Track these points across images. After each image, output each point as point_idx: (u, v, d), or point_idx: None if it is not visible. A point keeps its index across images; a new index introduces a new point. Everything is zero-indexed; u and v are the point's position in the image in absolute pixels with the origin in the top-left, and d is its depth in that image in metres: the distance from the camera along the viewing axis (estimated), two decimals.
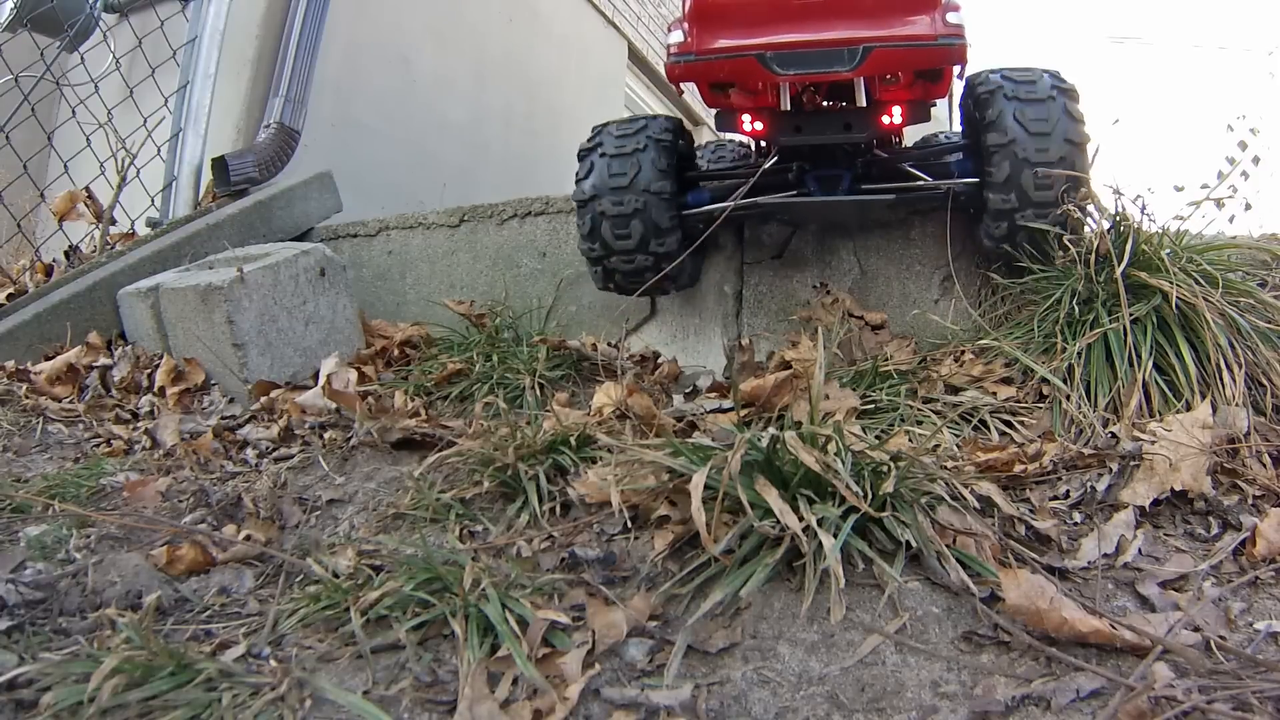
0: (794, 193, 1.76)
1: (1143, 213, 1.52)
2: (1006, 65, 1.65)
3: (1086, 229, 1.58)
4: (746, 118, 1.72)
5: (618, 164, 1.72)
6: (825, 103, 1.74)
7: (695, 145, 2.57)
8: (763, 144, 1.95)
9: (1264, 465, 1.20)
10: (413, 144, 3.53)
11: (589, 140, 1.81)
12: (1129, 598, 0.94)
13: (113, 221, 2.51)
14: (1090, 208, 1.57)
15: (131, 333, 2.05)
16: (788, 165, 1.81)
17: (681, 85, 1.70)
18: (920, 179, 1.74)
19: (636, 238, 1.73)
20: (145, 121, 2.68)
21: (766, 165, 1.80)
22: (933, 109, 1.81)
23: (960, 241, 1.85)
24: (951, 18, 1.51)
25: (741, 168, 1.97)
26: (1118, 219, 1.54)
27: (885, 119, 1.66)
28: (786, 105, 1.63)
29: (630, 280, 1.81)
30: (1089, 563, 1.00)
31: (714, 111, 1.82)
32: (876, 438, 1.27)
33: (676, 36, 1.62)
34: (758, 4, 1.57)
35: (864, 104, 1.62)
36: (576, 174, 1.79)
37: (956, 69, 1.61)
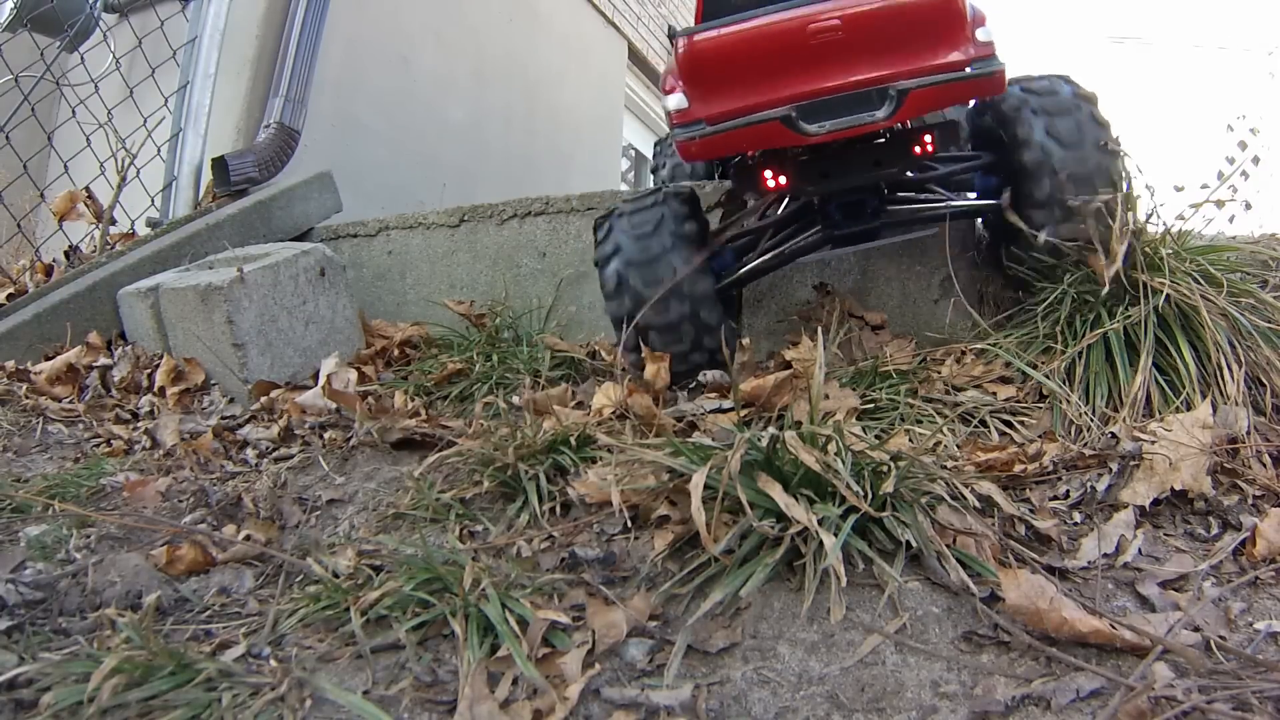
0: (818, 230, 1.63)
1: (1146, 214, 1.52)
2: (1021, 76, 1.58)
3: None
4: (769, 174, 1.52)
5: (648, 272, 1.54)
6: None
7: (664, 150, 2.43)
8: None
9: (1264, 465, 1.20)
10: (413, 144, 3.53)
11: (601, 241, 1.63)
12: (1129, 598, 0.94)
13: (113, 221, 2.51)
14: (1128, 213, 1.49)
15: (131, 333, 2.05)
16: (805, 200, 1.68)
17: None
18: (943, 196, 1.64)
19: (691, 338, 1.58)
20: (145, 121, 2.68)
21: (783, 208, 1.68)
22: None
23: (960, 242, 1.85)
24: (981, 35, 1.36)
25: (759, 215, 1.77)
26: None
27: (917, 149, 1.51)
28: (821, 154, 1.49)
29: (687, 375, 1.64)
30: (1089, 563, 1.00)
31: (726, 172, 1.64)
32: (876, 438, 1.27)
33: (676, 101, 1.42)
34: (766, 50, 1.35)
35: (892, 139, 1.50)
36: (602, 286, 1.62)
37: None
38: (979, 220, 1.75)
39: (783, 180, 1.53)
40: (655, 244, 1.55)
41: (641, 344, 1.59)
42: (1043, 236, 1.52)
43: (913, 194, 1.67)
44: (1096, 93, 1.56)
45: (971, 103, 1.71)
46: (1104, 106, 1.56)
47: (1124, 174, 1.51)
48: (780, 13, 1.35)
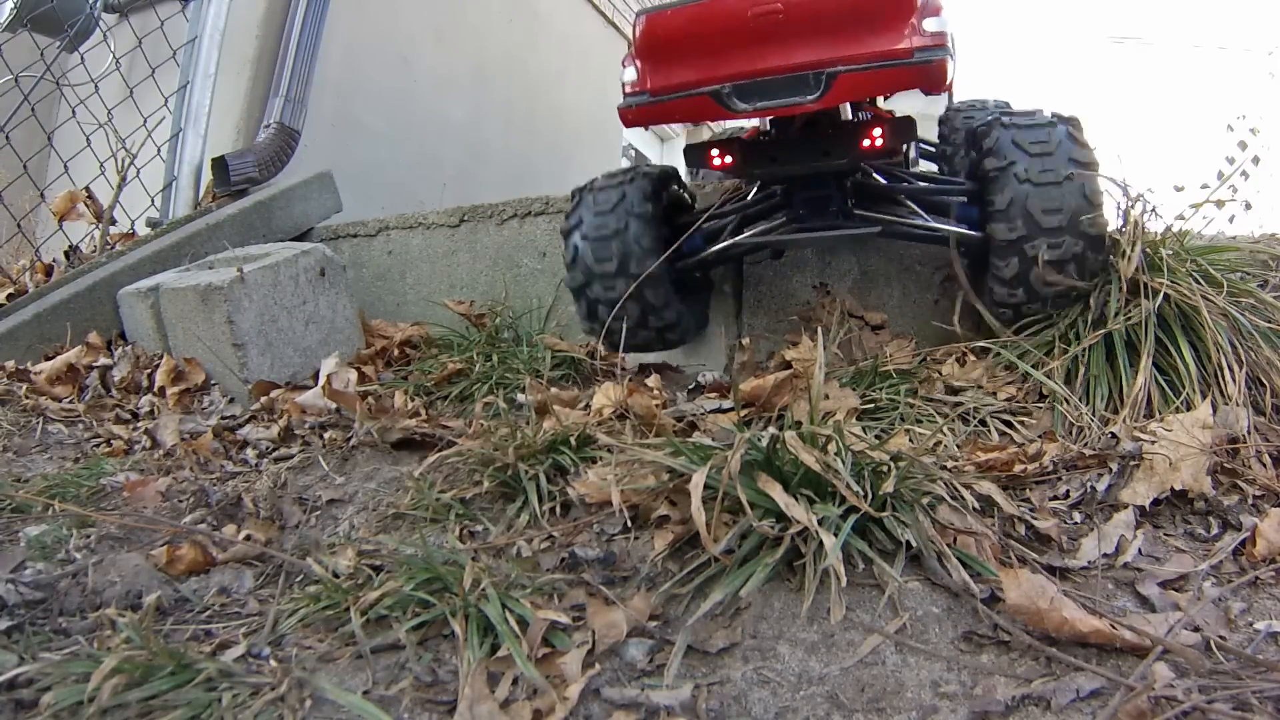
0: (782, 220, 1.67)
1: (1145, 213, 1.52)
2: (1018, 118, 1.49)
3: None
4: (715, 152, 1.58)
5: (601, 248, 1.62)
6: (801, 127, 1.61)
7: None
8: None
9: (1264, 465, 1.20)
10: (413, 144, 3.53)
11: (569, 213, 1.72)
12: (1129, 598, 0.94)
13: (113, 221, 2.51)
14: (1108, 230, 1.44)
15: (131, 333, 2.05)
16: (772, 190, 1.72)
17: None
18: (917, 214, 1.61)
19: (636, 316, 1.66)
20: (145, 121, 2.68)
21: (749, 197, 1.74)
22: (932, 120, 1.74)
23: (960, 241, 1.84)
24: (930, 25, 1.32)
25: (728, 202, 1.83)
26: (1124, 219, 1.54)
27: (866, 142, 1.50)
28: (766, 129, 1.54)
29: (637, 349, 1.76)
30: (1089, 562, 1.00)
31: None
32: (876, 438, 1.27)
33: (629, 74, 1.50)
34: (710, 29, 1.41)
35: (839, 128, 1.50)
36: (564, 255, 1.71)
37: (950, 69, 1.38)
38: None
39: (729, 160, 1.58)
40: (611, 221, 1.62)
41: (595, 315, 1.69)
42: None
43: (887, 205, 1.66)
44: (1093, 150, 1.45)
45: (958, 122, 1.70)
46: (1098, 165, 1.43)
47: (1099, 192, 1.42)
48: None
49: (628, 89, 1.50)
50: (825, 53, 1.35)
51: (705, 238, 1.75)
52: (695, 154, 1.64)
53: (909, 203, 1.64)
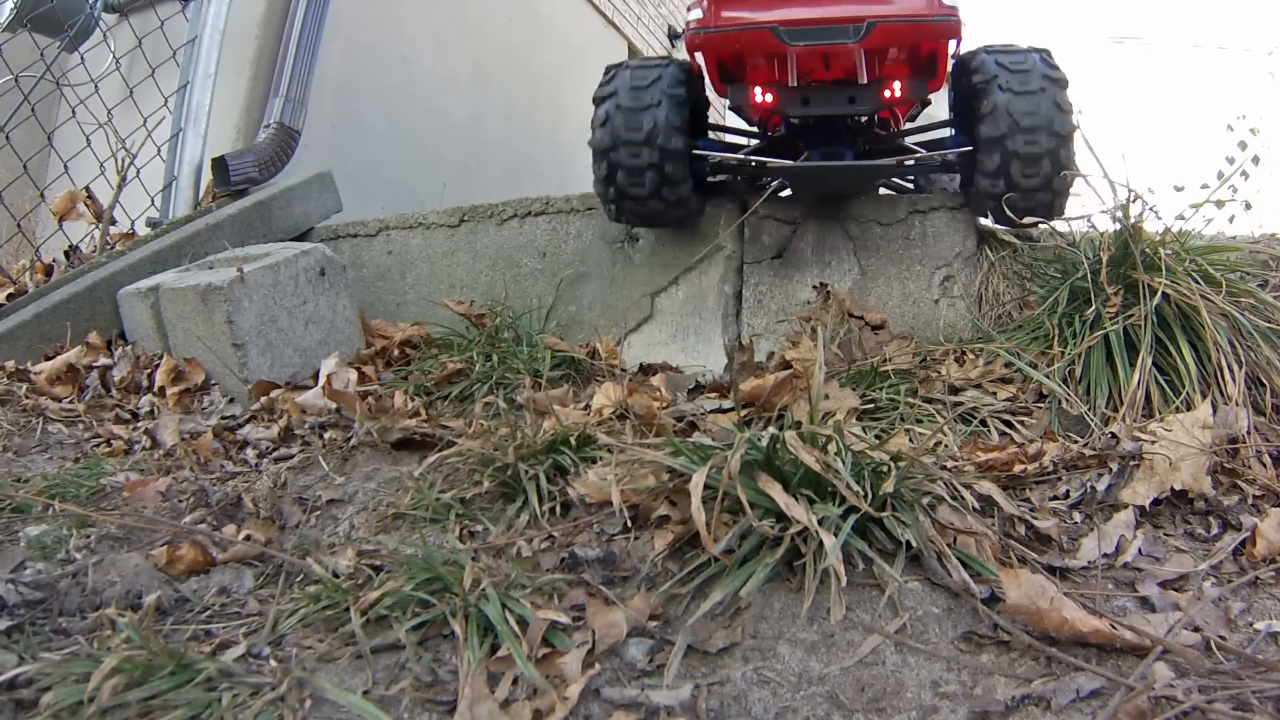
0: (808, 162, 1.85)
1: (1144, 211, 1.52)
2: (998, 47, 1.77)
3: (1083, 226, 1.58)
4: (758, 90, 1.83)
5: (633, 118, 1.79)
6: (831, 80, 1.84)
7: None
8: (768, 129, 2.08)
9: (1264, 465, 1.20)
10: (413, 144, 3.53)
11: (603, 84, 1.88)
12: (1129, 598, 0.94)
13: (113, 221, 2.51)
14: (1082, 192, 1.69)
15: (131, 333, 2.05)
16: (794, 144, 1.92)
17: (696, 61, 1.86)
18: (917, 151, 1.89)
19: (650, 187, 1.81)
20: (145, 121, 2.68)
21: (770, 131, 1.99)
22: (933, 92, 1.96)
23: (960, 241, 1.85)
24: (946, 1, 1.67)
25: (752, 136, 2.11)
26: (1123, 219, 1.54)
27: (886, 93, 1.79)
28: (794, 81, 1.74)
29: (641, 220, 1.97)
30: (1089, 562, 1.00)
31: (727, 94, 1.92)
32: (876, 438, 1.27)
33: (695, 14, 1.76)
34: None
35: (866, 80, 1.73)
36: (592, 120, 1.87)
37: (952, 45, 1.74)
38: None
39: (769, 99, 1.84)
40: (646, 96, 1.81)
41: (613, 180, 1.84)
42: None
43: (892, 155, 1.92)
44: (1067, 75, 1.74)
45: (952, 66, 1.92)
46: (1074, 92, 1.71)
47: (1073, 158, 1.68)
48: None
49: (693, 24, 1.77)
50: (867, 10, 1.67)
51: (723, 148, 1.97)
52: (740, 92, 1.86)
53: (910, 145, 1.94)
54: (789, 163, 1.82)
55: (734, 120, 2.20)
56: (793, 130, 1.98)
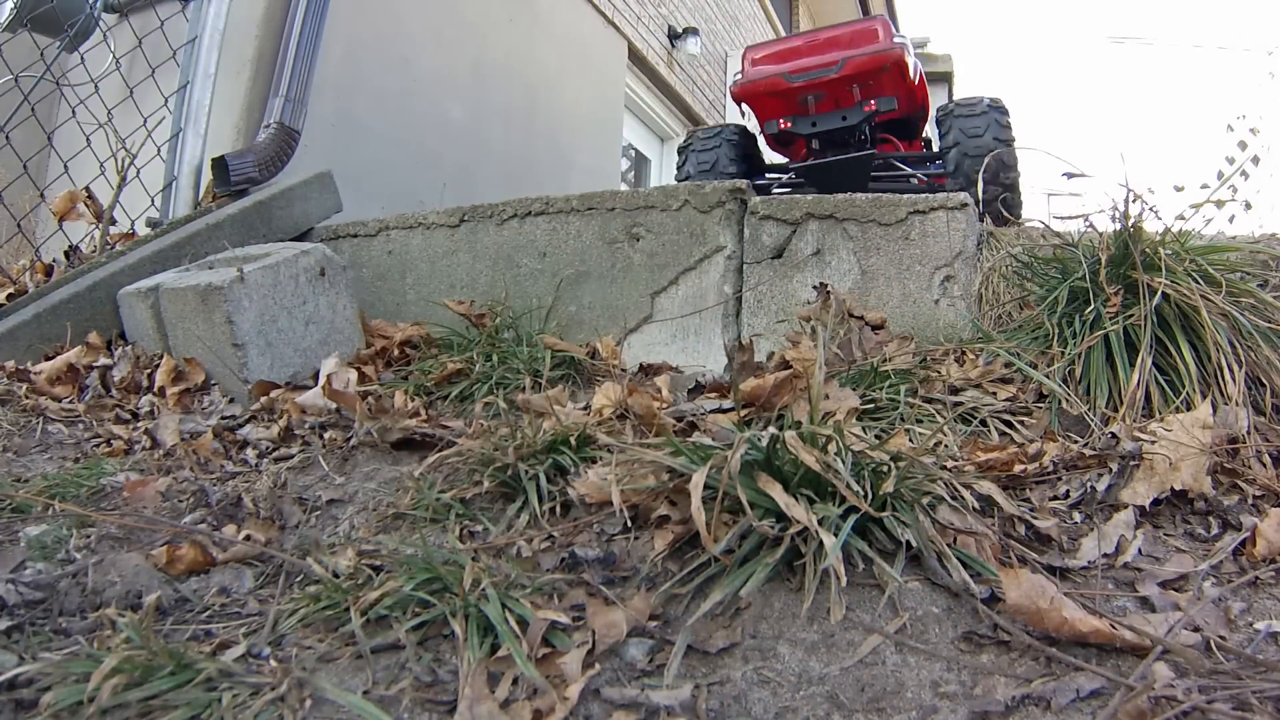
0: (814, 161, 3.20)
1: (1143, 211, 1.52)
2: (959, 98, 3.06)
3: (1086, 226, 1.59)
4: (780, 120, 3.19)
5: (704, 157, 3.23)
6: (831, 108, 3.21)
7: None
8: (796, 157, 3.55)
9: (1264, 465, 1.20)
10: (413, 144, 3.53)
11: (684, 142, 3.40)
12: (1129, 598, 0.94)
13: (113, 221, 2.51)
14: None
15: (131, 333, 2.05)
16: (807, 155, 3.37)
17: (740, 105, 3.24)
18: (904, 170, 3.22)
19: (713, 173, 3.24)
20: (145, 121, 2.68)
21: (792, 167, 3.46)
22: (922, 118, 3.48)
23: (960, 242, 1.85)
24: (896, 38, 2.94)
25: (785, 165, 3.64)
26: (1124, 219, 1.54)
27: (866, 108, 3.02)
28: (800, 107, 3.13)
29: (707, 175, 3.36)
30: (1089, 562, 1.00)
31: (766, 127, 3.34)
32: (876, 437, 1.27)
33: (737, 75, 3.10)
34: (781, 49, 3.16)
35: (854, 101, 2.98)
36: (677, 164, 3.38)
37: (911, 67, 3.01)
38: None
39: (787, 124, 3.18)
40: (711, 143, 3.29)
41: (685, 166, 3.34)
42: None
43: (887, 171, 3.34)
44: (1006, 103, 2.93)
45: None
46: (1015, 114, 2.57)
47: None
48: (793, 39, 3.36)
49: (736, 79, 3.12)
50: (842, 54, 2.90)
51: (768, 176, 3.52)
52: (771, 125, 3.25)
53: (900, 165, 3.28)
54: (801, 164, 3.14)
55: (777, 158, 3.65)
56: (813, 153, 3.26)
